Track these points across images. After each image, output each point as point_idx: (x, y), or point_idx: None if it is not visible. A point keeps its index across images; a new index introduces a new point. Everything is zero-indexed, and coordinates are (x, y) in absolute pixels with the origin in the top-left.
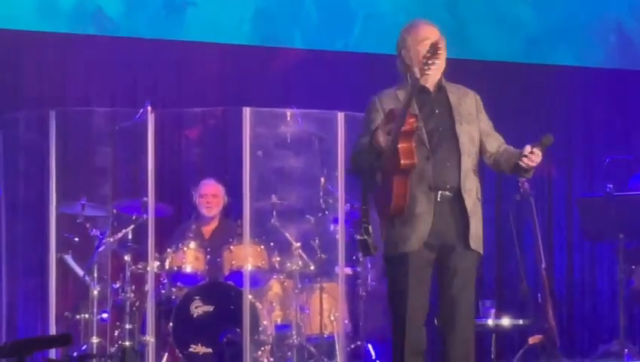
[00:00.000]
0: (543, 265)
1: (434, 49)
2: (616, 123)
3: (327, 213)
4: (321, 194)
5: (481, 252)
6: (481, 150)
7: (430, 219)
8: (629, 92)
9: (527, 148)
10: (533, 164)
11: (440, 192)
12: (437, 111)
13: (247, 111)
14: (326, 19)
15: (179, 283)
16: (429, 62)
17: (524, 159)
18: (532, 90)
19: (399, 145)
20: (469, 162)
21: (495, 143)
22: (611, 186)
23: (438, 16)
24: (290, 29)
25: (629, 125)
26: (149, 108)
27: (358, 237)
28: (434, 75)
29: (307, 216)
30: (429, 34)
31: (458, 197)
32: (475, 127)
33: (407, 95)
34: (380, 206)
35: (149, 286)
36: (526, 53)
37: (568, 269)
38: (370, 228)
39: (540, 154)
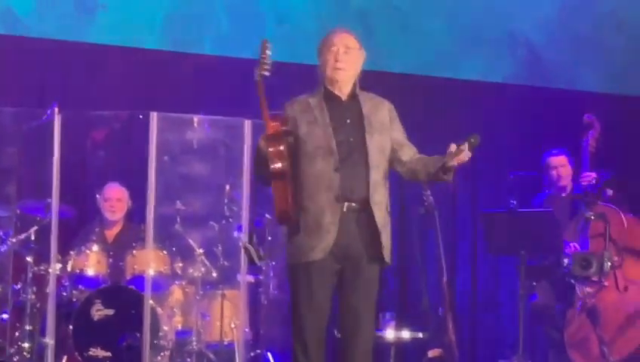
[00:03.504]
0: (445, 279)
1: (262, 48)
2: (523, 138)
3: (231, 220)
4: (226, 201)
5: (390, 263)
6: (395, 160)
7: (335, 230)
8: (536, 108)
9: (453, 146)
10: (461, 162)
11: (347, 203)
12: (348, 120)
13: (154, 116)
14: (236, 27)
15: (80, 286)
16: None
17: (454, 158)
18: (440, 103)
19: (269, 150)
20: (377, 174)
21: (409, 152)
22: (515, 202)
23: (350, 27)
24: (199, 35)
25: (536, 141)
26: (56, 109)
27: (244, 245)
28: (344, 82)
29: (211, 223)
30: (336, 40)
31: (367, 209)
32: (386, 138)
33: (261, 96)
34: (273, 213)
35: (50, 288)
36: (435, 66)
37: (472, 283)
38: (254, 236)
39: (469, 153)
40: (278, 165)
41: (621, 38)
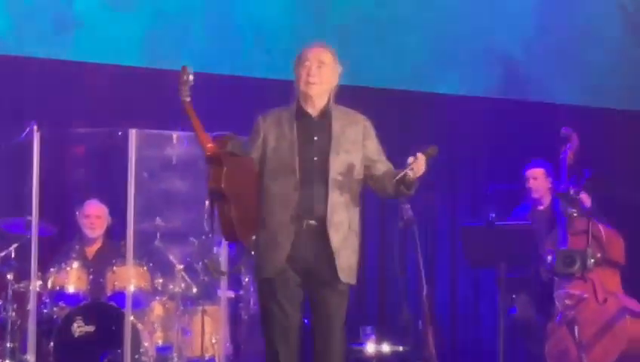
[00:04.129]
0: (424, 292)
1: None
2: (501, 152)
3: (210, 235)
4: (206, 216)
5: (353, 282)
6: (367, 177)
7: (288, 249)
8: (514, 122)
9: (411, 159)
10: (419, 173)
11: (305, 222)
12: (316, 138)
13: (133, 133)
14: (214, 43)
15: (61, 303)
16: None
17: (409, 171)
18: (418, 117)
19: (209, 171)
20: (339, 195)
21: (382, 168)
22: (494, 215)
23: (328, 42)
24: (177, 52)
25: (514, 154)
26: (35, 127)
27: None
28: (317, 97)
29: (191, 239)
30: (310, 55)
31: (325, 229)
32: (356, 156)
33: (191, 118)
34: None
35: (31, 306)
36: (412, 81)
37: (451, 297)
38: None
39: (424, 162)
40: (214, 186)
41: (598, 51)
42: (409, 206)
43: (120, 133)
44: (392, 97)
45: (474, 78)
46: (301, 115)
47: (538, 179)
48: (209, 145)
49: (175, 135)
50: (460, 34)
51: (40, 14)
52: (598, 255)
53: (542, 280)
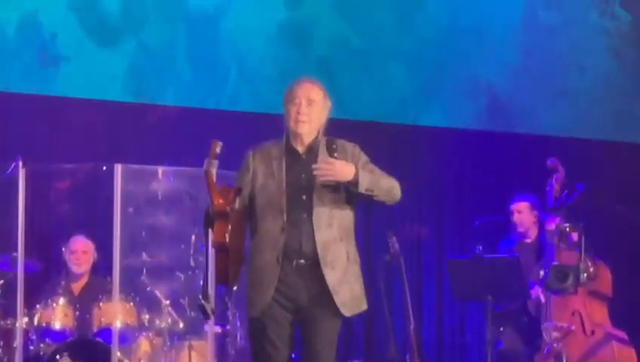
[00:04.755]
0: (412, 326)
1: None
2: (486, 184)
3: (197, 271)
4: (192, 252)
5: (362, 309)
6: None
7: (273, 288)
8: (499, 153)
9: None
10: (326, 172)
11: (295, 261)
12: (304, 175)
13: (118, 168)
14: (198, 77)
15: (47, 340)
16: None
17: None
18: (403, 150)
19: (215, 223)
20: (328, 233)
21: None
22: (480, 248)
23: (312, 75)
24: (162, 86)
25: (500, 186)
26: (20, 163)
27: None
28: (307, 135)
29: (177, 274)
30: (300, 92)
31: (317, 269)
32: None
33: (210, 184)
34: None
35: (18, 342)
36: (398, 113)
37: (438, 330)
38: (209, 291)
39: (327, 160)
40: (219, 241)
41: (583, 81)
42: (395, 239)
43: (105, 168)
44: (377, 130)
45: (459, 109)
46: (290, 152)
47: (523, 213)
48: (219, 201)
49: (160, 170)
50: (444, 65)
51: (24, 50)
52: (591, 269)
53: (529, 313)
